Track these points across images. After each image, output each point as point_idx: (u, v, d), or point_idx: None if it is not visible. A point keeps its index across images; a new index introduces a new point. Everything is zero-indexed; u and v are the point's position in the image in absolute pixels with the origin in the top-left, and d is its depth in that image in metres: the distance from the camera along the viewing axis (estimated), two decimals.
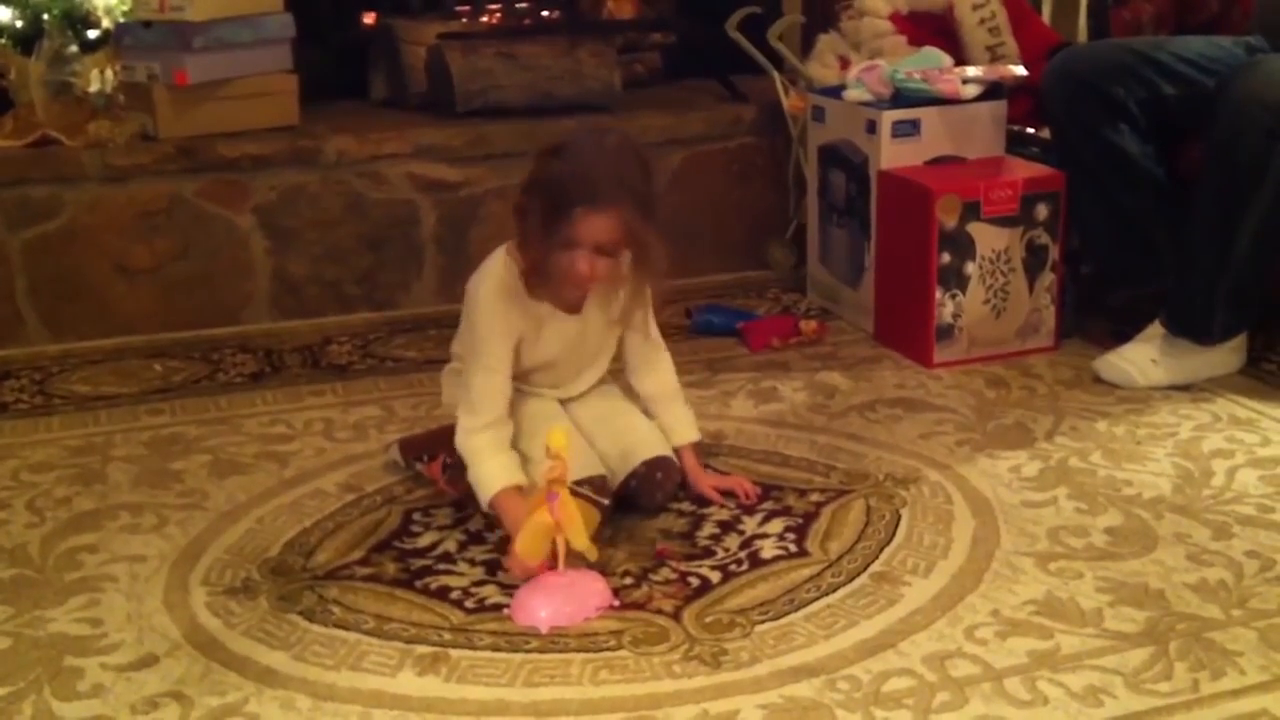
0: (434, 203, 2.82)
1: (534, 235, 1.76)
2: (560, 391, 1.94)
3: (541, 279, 1.79)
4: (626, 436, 1.92)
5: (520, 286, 1.80)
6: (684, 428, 1.96)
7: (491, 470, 1.77)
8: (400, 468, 2.04)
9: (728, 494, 1.93)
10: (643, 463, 1.88)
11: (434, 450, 1.98)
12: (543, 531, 1.62)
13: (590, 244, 1.74)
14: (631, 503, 1.88)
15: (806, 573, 1.72)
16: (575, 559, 1.66)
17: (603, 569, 1.71)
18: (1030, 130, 2.72)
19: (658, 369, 1.98)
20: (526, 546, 1.64)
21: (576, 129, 1.83)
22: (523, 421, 1.85)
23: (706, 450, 2.05)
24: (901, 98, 2.54)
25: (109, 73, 2.80)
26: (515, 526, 1.69)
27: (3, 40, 2.85)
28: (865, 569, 1.72)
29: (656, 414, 1.96)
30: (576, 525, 1.63)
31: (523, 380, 1.89)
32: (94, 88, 2.78)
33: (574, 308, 1.87)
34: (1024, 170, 2.49)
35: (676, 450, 1.94)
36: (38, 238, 2.62)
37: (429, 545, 1.82)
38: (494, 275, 1.82)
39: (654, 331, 1.97)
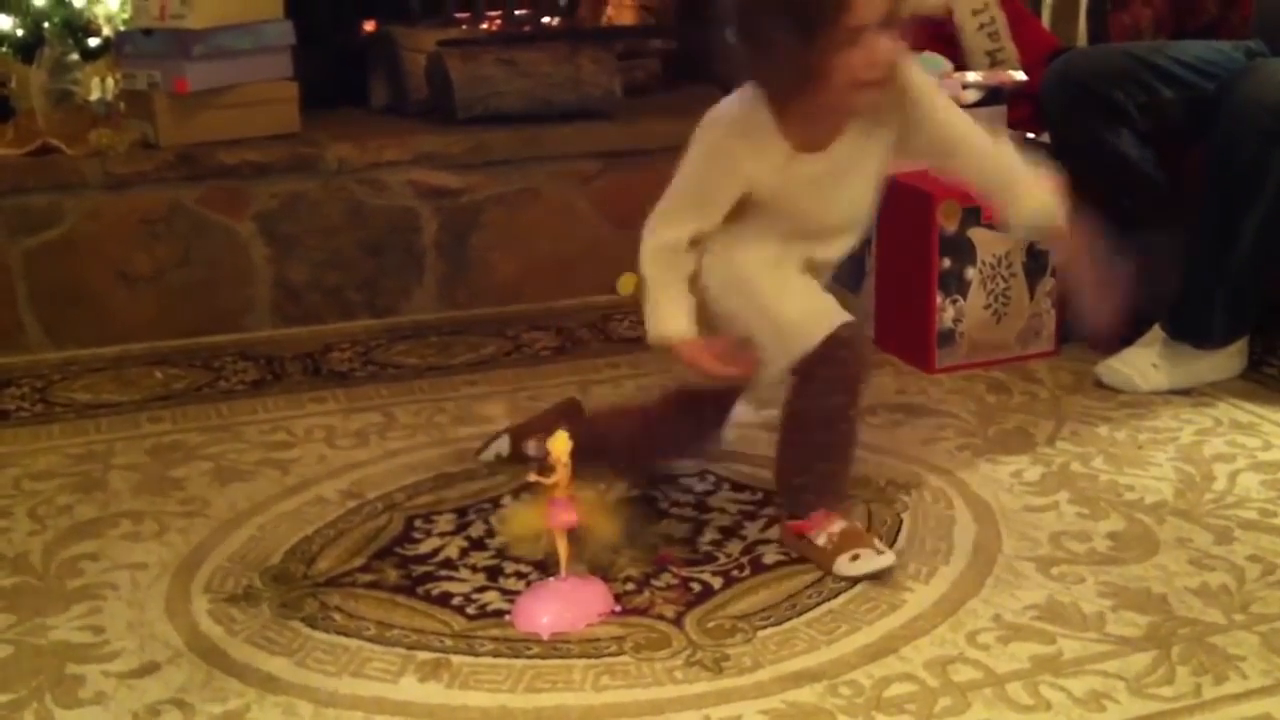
0: (434, 210, 2.82)
1: (796, 58, 1.54)
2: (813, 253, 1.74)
3: (814, 104, 1.60)
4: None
5: (768, 124, 1.63)
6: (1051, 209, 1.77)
7: (671, 315, 1.65)
8: (496, 461, 2.03)
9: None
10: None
11: (550, 427, 1.71)
12: (534, 525, 1.63)
13: (876, 21, 1.53)
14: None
15: (808, 578, 1.72)
16: (577, 564, 1.66)
17: (604, 574, 1.71)
18: (1030, 135, 2.71)
19: (982, 138, 1.75)
20: (516, 529, 1.67)
21: None
22: (740, 270, 1.70)
23: (710, 454, 2.05)
24: None
25: (109, 81, 2.80)
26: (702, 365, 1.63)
27: (3, 48, 2.84)
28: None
29: (1015, 191, 1.77)
30: (597, 519, 1.64)
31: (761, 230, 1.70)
32: (95, 96, 2.78)
33: (818, 144, 1.66)
34: None
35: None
36: (38, 246, 2.62)
37: (430, 551, 1.81)
38: (729, 116, 1.66)
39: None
